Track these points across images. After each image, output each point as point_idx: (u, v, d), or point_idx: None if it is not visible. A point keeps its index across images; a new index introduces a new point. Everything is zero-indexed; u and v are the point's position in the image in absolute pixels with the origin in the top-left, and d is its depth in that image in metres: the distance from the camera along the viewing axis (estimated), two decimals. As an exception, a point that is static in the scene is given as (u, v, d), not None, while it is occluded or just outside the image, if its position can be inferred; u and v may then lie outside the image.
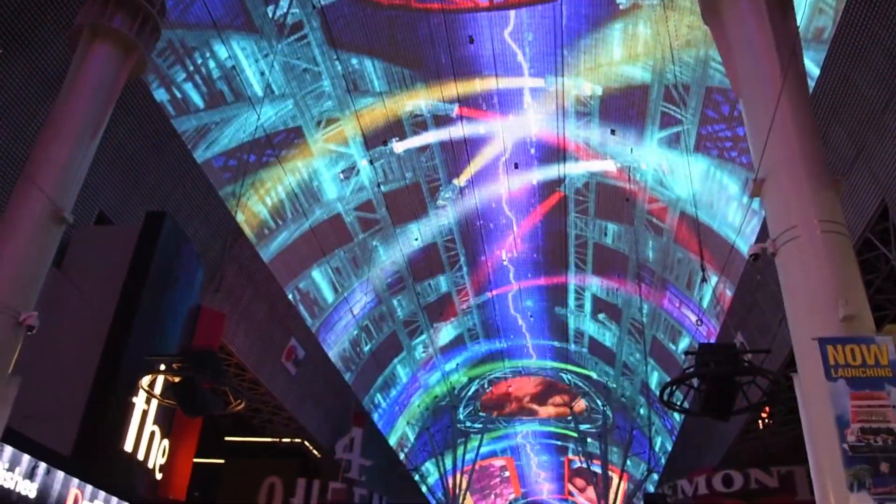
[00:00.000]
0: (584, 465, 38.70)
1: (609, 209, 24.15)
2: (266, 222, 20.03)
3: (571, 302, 31.20)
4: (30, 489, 10.77)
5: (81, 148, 9.58)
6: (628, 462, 35.59)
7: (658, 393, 10.47)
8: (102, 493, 12.55)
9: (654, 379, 29.44)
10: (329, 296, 24.59)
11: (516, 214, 26.23)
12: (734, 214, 18.52)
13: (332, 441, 26.29)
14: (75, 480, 11.86)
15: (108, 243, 13.11)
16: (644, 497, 23.02)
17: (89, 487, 12.22)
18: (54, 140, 9.43)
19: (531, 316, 33.18)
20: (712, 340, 21.73)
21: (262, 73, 16.68)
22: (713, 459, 23.85)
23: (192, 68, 15.44)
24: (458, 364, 36.35)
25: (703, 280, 17.99)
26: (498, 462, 49.72)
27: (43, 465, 11.12)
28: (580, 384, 38.24)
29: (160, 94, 14.96)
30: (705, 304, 22.11)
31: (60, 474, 11.54)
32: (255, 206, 19.27)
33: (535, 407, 40.08)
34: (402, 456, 36.22)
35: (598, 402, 37.50)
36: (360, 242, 24.54)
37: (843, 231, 7.68)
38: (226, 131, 16.86)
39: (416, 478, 37.16)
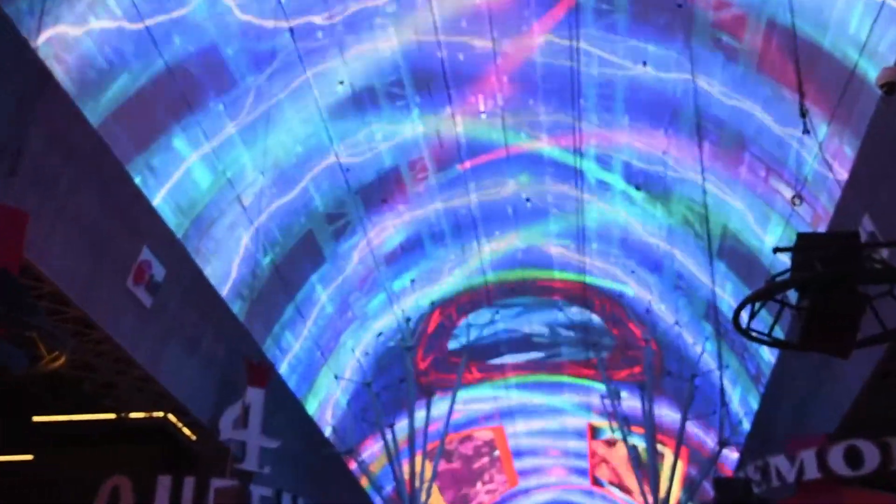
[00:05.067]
0: (618, 435, 39.54)
1: (650, 21, 24.46)
2: (92, 60, 19.91)
3: (590, 175, 31.57)
4: None
5: None
6: (688, 429, 36.15)
7: (733, 316, 10.61)
8: None
9: (727, 294, 29.89)
10: (203, 178, 24.79)
11: (500, 37, 26.49)
12: (858, 22, 18.58)
13: (216, 414, 26.42)
14: None
15: None
16: (715, 484, 23.46)
17: None
18: None
19: (527, 200, 33.61)
20: (821, 229, 21.90)
21: None
22: (827, 423, 24.17)
23: None
24: (412, 280, 36.80)
25: (805, 132, 17.71)
26: (482, 435, 51.11)
27: None
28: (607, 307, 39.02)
29: None
30: (808, 171, 22.46)
31: None
32: (71, 30, 19.05)
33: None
34: (328, 432, 36.69)
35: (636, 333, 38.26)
36: (251, 89, 24.84)
37: None
38: None
39: (353, 466, 37.77)
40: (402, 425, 37.03)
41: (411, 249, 35.20)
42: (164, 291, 23.22)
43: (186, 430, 26.80)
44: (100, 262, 20.82)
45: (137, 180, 22.03)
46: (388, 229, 33.56)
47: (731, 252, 28.70)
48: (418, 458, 36.86)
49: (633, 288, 36.86)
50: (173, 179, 23.69)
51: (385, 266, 34.85)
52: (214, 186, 25.33)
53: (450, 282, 38.52)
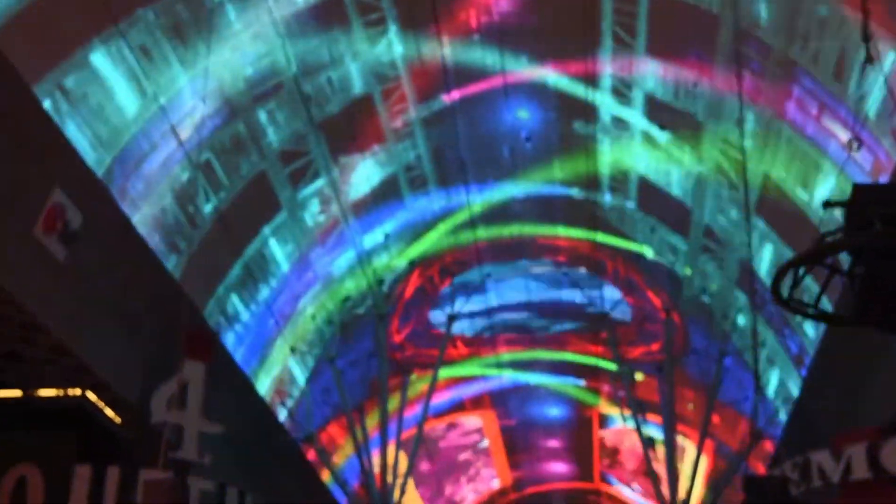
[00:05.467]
0: (631, 425, 39.53)
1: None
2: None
3: (605, 110, 31.71)
4: None
5: None
6: (715, 418, 36.27)
7: (772, 283, 10.80)
8: None
9: (766, 257, 30.12)
10: (129, 103, 24.81)
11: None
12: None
13: (146, 392, 26.40)
14: None
15: None
16: (745, 484, 23.66)
17: None
18: None
19: (527, 140, 33.82)
20: (882, 180, 22.08)
21: None
22: (881, 414, 24.25)
23: None
24: (387, 235, 37.00)
25: (868, 61, 17.52)
26: (469, 421, 51.38)
27: None
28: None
29: None
30: (872, 109, 22.43)
31: None
32: None
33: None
34: (282, 415, 36.81)
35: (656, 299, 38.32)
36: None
37: None
38: None
39: (312, 456, 37.78)
40: (372, 409, 36.97)
41: (386, 198, 35.20)
42: (81, 243, 22.95)
43: (109, 412, 26.50)
44: (0, 207, 20.55)
45: (46, 105, 21.84)
46: (358, 173, 33.49)
47: (771, 207, 28.89)
48: (391, 448, 36.59)
49: (654, 249, 36.91)
50: (92, 105, 23.51)
51: (354, 217, 34.72)
52: (143, 114, 25.17)
53: (432, 238, 38.62)
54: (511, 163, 35.11)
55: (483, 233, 38.51)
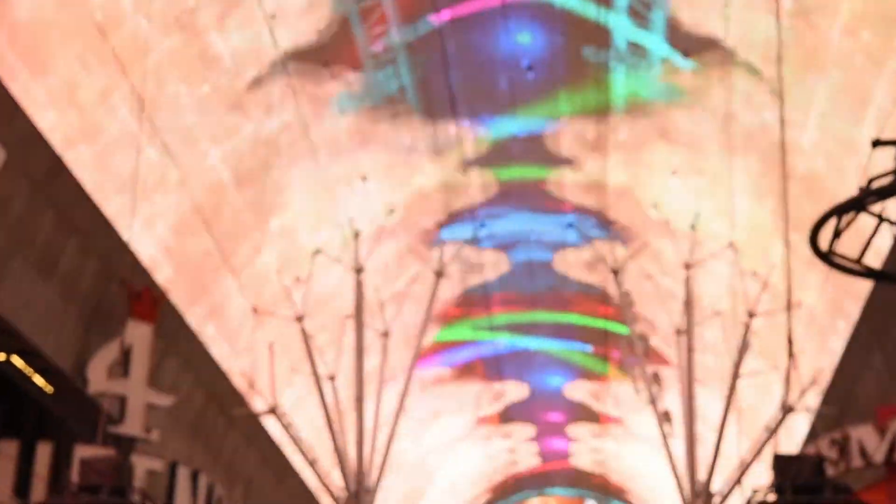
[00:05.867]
0: (644, 398, 39.64)
1: None
2: None
3: (620, 34, 31.70)
4: None
5: None
6: (740, 388, 36.07)
7: (810, 233, 10.63)
8: None
9: (803, 203, 29.55)
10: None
11: None
12: None
13: (82, 357, 26.57)
14: None
15: None
16: (775, 463, 23.30)
17: None
18: None
19: (529, 68, 33.77)
20: None
21: None
22: None
23: None
24: (364, 178, 36.99)
25: None
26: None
27: None
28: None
29: None
30: None
31: None
32: None
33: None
34: (242, 384, 36.48)
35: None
36: None
37: None
38: None
39: (276, 428, 37.61)
40: (346, 375, 36.97)
41: (362, 133, 34.93)
42: (3, 182, 22.81)
43: (39, 380, 26.57)
44: None
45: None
46: (331, 104, 33.20)
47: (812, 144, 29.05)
48: (368, 423, 36.77)
49: (673, 194, 36.87)
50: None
51: (326, 155, 34.54)
52: (72, 26, 24.45)
53: (417, 181, 38.67)
54: (509, 95, 35.02)
55: (476, 177, 38.72)
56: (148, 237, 29.80)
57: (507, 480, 65.62)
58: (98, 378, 26.45)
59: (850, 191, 10.96)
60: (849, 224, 10.38)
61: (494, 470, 63.91)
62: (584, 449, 61.62)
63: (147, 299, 27.86)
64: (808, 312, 34.30)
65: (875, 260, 13.00)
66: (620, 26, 31.54)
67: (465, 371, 50.71)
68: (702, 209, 36.52)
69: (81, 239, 26.38)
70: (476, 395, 52.87)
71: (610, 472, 64.07)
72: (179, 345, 31.52)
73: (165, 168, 29.40)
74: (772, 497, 19.58)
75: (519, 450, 61.98)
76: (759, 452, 35.23)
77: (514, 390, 53.43)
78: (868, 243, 10.43)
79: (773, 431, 34.58)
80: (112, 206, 27.48)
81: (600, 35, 31.76)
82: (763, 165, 32.34)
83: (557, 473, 65.72)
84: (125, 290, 27.35)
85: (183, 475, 28.63)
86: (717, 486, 35.52)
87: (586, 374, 51.49)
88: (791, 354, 32.12)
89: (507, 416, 55.85)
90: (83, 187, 25.90)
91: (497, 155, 37.97)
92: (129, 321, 27.06)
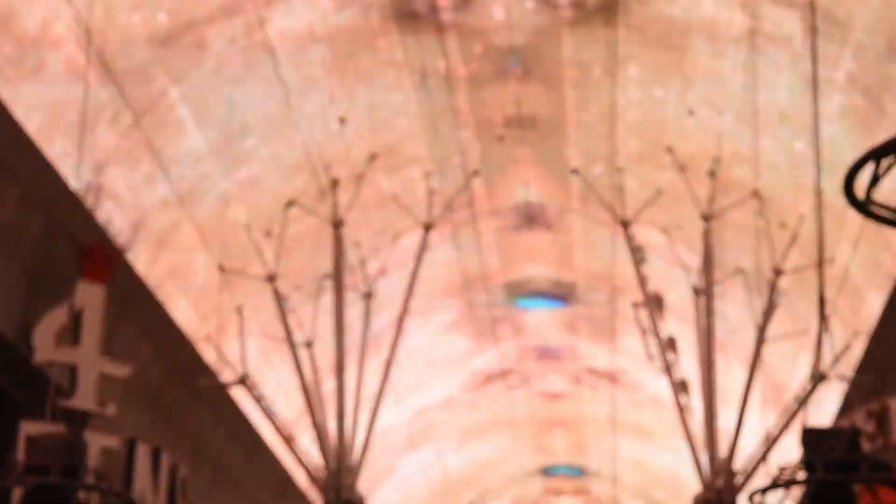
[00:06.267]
0: (658, 363, 39.69)
1: None
2: None
3: None
4: None
5: None
6: (766, 354, 35.83)
7: (845, 179, 10.38)
8: None
9: (838, 142, 30.05)
10: None
11: None
12: None
13: (26, 322, 26.68)
14: None
15: None
16: (805, 437, 23.46)
17: None
18: None
19: None
20: None
21: None
22: None
23: None
24: (341, 119, 36.67)
25: None
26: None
27: None
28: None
29: None
30: None
31: None
32: None
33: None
34: (208, 353, 36.49)
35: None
36: None
37: None
38: None
39: (246, 401, 37.43)
40: (325, 341, 36.84)
41: (339, 63, 34.53)
42: None
43: None
44: None
45: None
46: (299, 26, 32.45)
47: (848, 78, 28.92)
48: (350, 397, 36.62)
49: (696, 116, 36.67)
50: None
51: (298, 92, 34.22)
52: None
53: (402, 125, 38.53)
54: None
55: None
56: (99, 186, 29.71)
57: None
58: (45, 346, 26.32)
59: (890, 131, 10.79)
60: (889, 169, 10.14)
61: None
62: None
63: (100, 257, 27.80)
64: (841, 269, 34.51)
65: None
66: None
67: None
68: (723, 153, 36.70)
69: (24, 188, 26.38)
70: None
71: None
72: (136, 308, 31.50)
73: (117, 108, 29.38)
74: (801, 475, 19.55)
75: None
76: (786, 426, 35.41)
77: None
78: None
79: (802, 402, 34.69)
80: (56, 148, 27.45)
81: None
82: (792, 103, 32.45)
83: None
84: (74, 247, 27.34)
85: (142, 453, 28.10)
86: (739, 463, 35.59)
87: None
88: (823, 317, 32.21)
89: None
90: (25, 130, 25.82)
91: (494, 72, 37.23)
92: (79, 282, 26.97)
